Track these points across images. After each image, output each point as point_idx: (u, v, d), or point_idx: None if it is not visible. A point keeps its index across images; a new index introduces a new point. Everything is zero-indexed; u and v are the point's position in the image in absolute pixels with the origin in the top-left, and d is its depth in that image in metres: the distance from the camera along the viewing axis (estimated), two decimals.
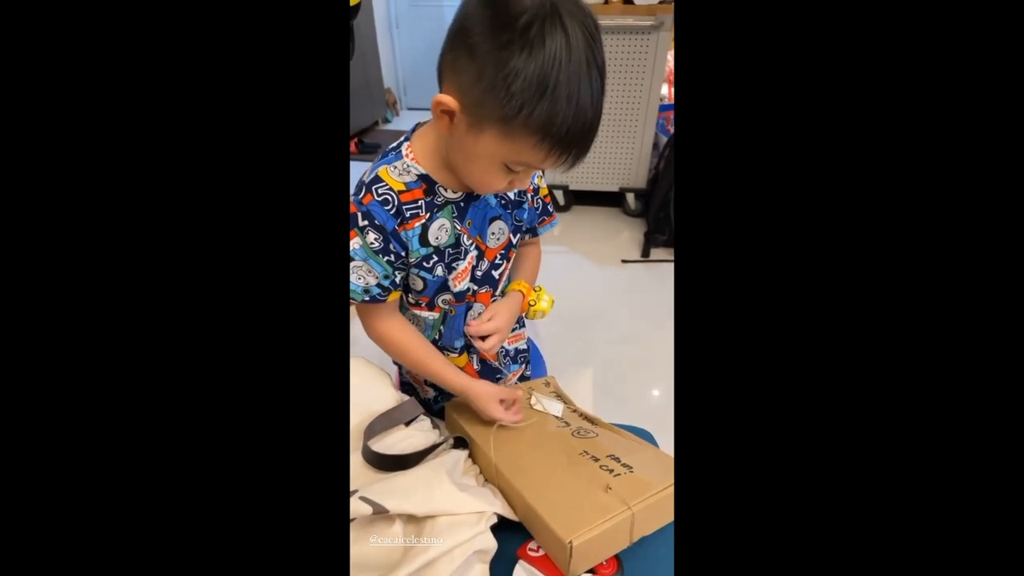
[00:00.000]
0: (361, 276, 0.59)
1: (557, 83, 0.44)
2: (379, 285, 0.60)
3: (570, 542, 0.45)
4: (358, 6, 1.24)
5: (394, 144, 0.60)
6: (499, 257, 0.68)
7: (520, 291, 0.72)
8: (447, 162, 0.57)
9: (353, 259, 0.58)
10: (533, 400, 0.71)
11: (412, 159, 0.58)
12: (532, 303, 0.72)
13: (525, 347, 0.83)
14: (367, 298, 0.60)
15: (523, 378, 0.85)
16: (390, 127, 3.67)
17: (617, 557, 0.52)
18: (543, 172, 0.70)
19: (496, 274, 0.69)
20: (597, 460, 0.56)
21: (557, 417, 0.67)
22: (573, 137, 0.47)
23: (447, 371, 0.65)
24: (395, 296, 0.63)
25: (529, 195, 0.69)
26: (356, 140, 3.20)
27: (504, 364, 0.79)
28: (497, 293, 0.71)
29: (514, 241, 0.68)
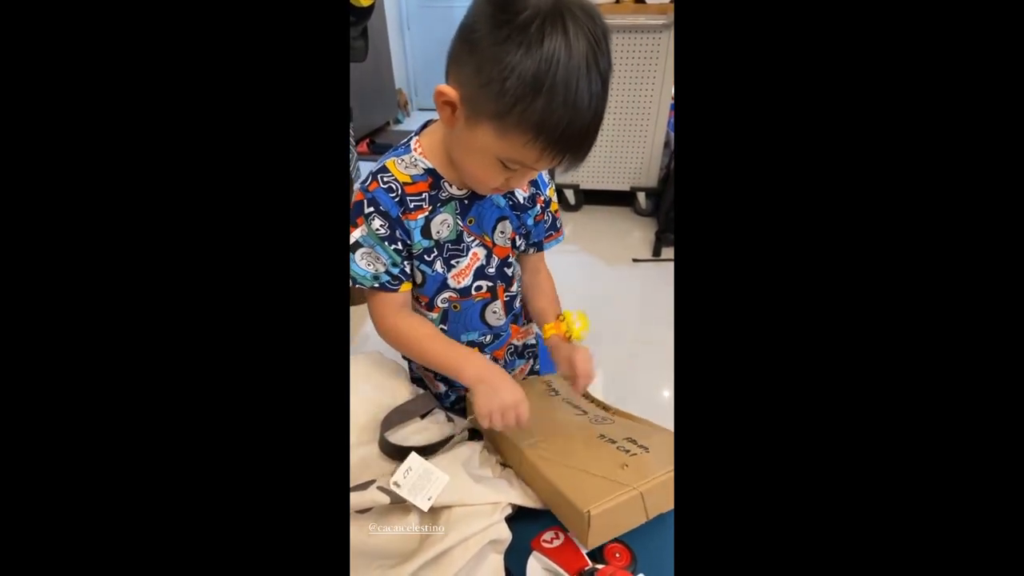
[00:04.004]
0: (369, 262, 0.59)
1: (554, 83, 0.44)
2: (388, 272, 0.60)
3: (588, 511, 0.47)
4: (372, 7, 1.25)
5: (405, 139, 0.62)
6: (511, 256, 0.69)
7: (556, 334, 0.68)
8: (452, 158, 0.58)
9: (361, 245, 0.59)
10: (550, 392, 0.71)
11: (420, 153, 0.59)
12: (567, 333, 0.67)
13: (533, 342, 0.84)
14: (376, 284, 0.60)
15: (532, 372, 0.86)
16: (401, 128, 3.69)
17: (630, 549, 0.52)
18: (551, 181, 0.70)
19: (509, 272, 0.70)
20: (614, 442, 0.58)
21: (574, 406, 0.68)
22: (568, 139, 0.47)
23: (464, 358, 0.59)
24: (406, 288, 0.62)
25: (539, 206, 0.69)
26: (368, 141, 3.23)
27: (509, 361, 0.80)
28: (513, 289, 0.72)
29: (517, 242, 0.69)
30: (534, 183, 0.68)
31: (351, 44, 1.33)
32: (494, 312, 0.71)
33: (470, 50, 0.46)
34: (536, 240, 0.71)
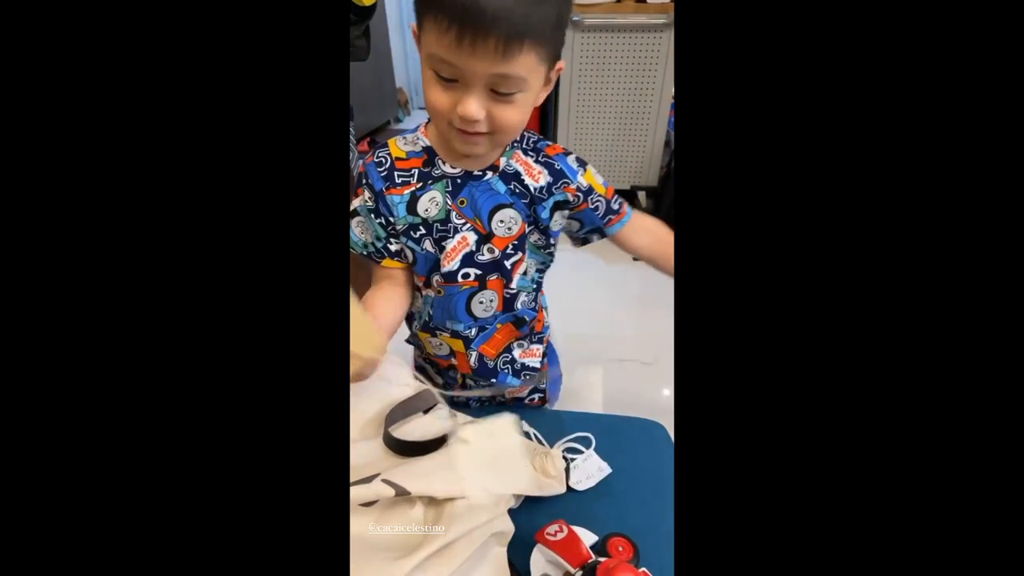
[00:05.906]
0: (363, 230, 0.65)
1: None
2: (373, 245, 0.65)
3: None
4: (373, 7, 1.25)
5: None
6: (511, 247, 0.65)
7: None
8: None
9: (358, 214, 0.65)
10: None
11: (423, 133, 0.64)
12: None
13: (536, 366, 0.77)
14: (365, 252, 0.66)
15: (542, 399, 0.83)
16: (401, 127, 3.69)
17: (633, 543, 0.53)
18: (581, 169, 0.65)
19: (508, 264, 0.65)
20: None
21: None
22: (468, 9, 0.45)
23: None
24: (388, 264, 0.66)
25: (571, 196, 0.64)
26: (368, 140, 3.23)
27: (502, 369, 0.75)
28: (513, 285, 0.67)
29: (532, 238, 0.66)
30: (558, 172, 0.64)
31: (353, 43, 1.33)
32: (481, 303, 0.67)
33: None
34: (593, 227, 0.69)
